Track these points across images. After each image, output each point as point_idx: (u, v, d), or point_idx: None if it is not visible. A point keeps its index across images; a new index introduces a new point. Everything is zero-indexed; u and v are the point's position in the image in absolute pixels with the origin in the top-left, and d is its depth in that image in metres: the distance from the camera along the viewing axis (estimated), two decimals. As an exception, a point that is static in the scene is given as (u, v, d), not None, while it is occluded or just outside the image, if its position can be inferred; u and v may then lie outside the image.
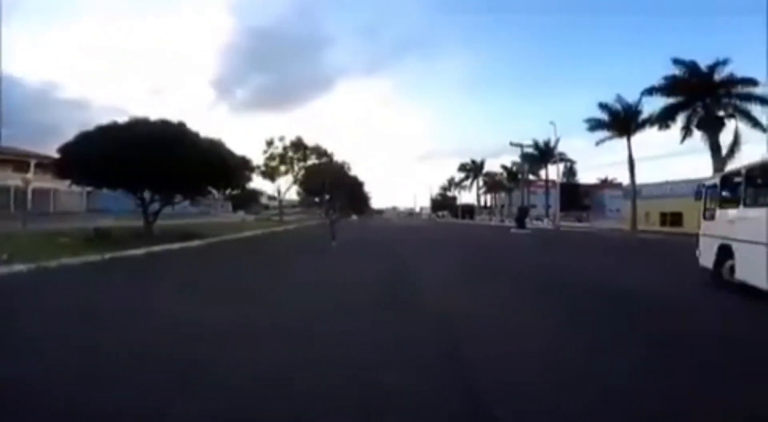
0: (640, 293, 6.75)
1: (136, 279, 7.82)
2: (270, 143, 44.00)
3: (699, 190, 9.00)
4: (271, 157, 44.21)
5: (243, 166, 18.33)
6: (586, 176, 63.83)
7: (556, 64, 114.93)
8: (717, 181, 8.14)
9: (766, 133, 22.96)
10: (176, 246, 13.14)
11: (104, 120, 15.38)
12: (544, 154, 46.32)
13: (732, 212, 7.08)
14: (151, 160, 12.95)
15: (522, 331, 4.39)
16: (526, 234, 26.47)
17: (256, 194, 56.33)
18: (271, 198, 61.16)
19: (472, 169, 75.10)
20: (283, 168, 45.01)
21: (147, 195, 16.33)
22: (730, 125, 24.08)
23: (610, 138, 31.62)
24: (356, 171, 72.61)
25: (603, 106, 31.41)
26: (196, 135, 15.58)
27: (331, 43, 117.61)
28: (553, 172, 44.91)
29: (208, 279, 8.08)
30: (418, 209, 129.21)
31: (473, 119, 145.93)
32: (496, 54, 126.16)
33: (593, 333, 4.32)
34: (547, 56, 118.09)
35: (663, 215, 33.06)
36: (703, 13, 76.58)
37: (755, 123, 23.16)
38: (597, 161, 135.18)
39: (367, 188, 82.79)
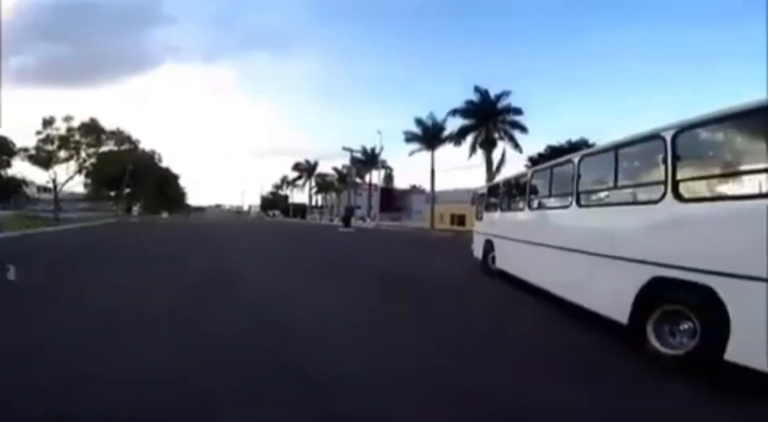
0: (428, 276, 8.27)
1: None
2: (49, 122, 33.82)
3: (473, 196, 11.35)
4: (48, 139, 34.08)
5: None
6: (402, 182, 72.34)
7: (394, 78, 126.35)
8: (485, 190, 10.39)
9: (522, 153, 31.01)
10: None
11: None
12: (370, 159, 50.43)
13: (493, 214, 9.11)
14: None
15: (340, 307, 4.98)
16: (351, 232, 28.18)
17: (18, 184, 42.41)
18: (45, 189, 47.11)
19: (306, 169, 75.58)
20: (63, 153, 35.28)
21: None
22: (501, 146, 31.62)
23: (420, 150, 37.11)
24: (174, 163, 63.03)
25: (418, 122, 36.73)
26: None
27: (169, 21, 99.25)
28: (376, 177, 49.45)
29: None
30: (246, 207, 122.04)
31: (314, 121, 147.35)
32: (343, 63, 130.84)
33: (393, 306, 5.26)
34: (387, 69, 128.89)
35: (453, 216, 40.70)
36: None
37: (516, 145, 30.97)
38: (412, 169, 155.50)
39: (186, 182, 73.23)
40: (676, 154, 3.49)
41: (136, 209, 56.98)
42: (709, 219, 3.15)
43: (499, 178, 19.32)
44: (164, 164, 54.93)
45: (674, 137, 3.52)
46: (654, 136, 3.76)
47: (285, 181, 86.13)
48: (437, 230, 34.10)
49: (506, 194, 8.61)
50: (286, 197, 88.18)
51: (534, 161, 26.67)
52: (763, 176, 2.87)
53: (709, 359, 2.94)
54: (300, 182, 78.04)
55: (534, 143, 70.01)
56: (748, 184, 3.07)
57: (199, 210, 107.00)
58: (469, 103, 32.08)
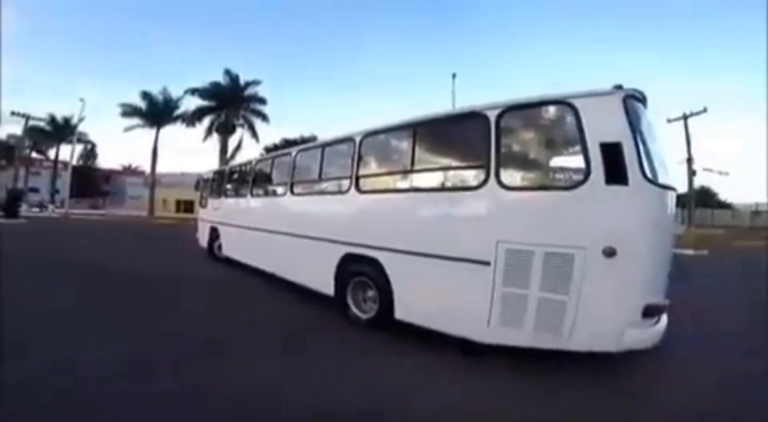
0: (136, 270, 6.94)
1: None
2: None
3: (197, 182, 10.46)
4: None
5: None
6: (112, 161, 58.23)
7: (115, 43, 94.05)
8: (210, 175, 9.73)
9: (259, 143, 31.09)
10: None
11: None
12: (61, 131, 37.65)
13: (218, 201, 8.72)
14: None
15: None
16: (19, 224, 20.30)
17: None
18: None
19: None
20: None
21: None
22: (240, 132, 30.62)
23: (141, 126, 31.07)
24: None
25: (145, 95, 30.76)
26: None
27: None
28: (69, 152, 37.29)
29: None
30: None
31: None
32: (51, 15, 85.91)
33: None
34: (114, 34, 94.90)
35: (179, 202, 36.37)
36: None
37: (254, 133, 30.71)
38: (129, 147, 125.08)
39: None
40: (360, 154, 4.36)
41: None
42: (373, 206, 4.13)
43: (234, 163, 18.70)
44: None
45: (361, 141, 4.38)
46: (348, 139, 4.57)
47: None
48: (158, 218, 29.52)
49: (232, 181, 8.41)
50: None
51: (269, 151, 27.29)
52: (405, 176, 3.91)
53: (387, 319, 3.80)
54: None
55: (275, 134, 71.52)
56: (399, 181, 4.13)
57: None
58: (214, 84, 29.84)
